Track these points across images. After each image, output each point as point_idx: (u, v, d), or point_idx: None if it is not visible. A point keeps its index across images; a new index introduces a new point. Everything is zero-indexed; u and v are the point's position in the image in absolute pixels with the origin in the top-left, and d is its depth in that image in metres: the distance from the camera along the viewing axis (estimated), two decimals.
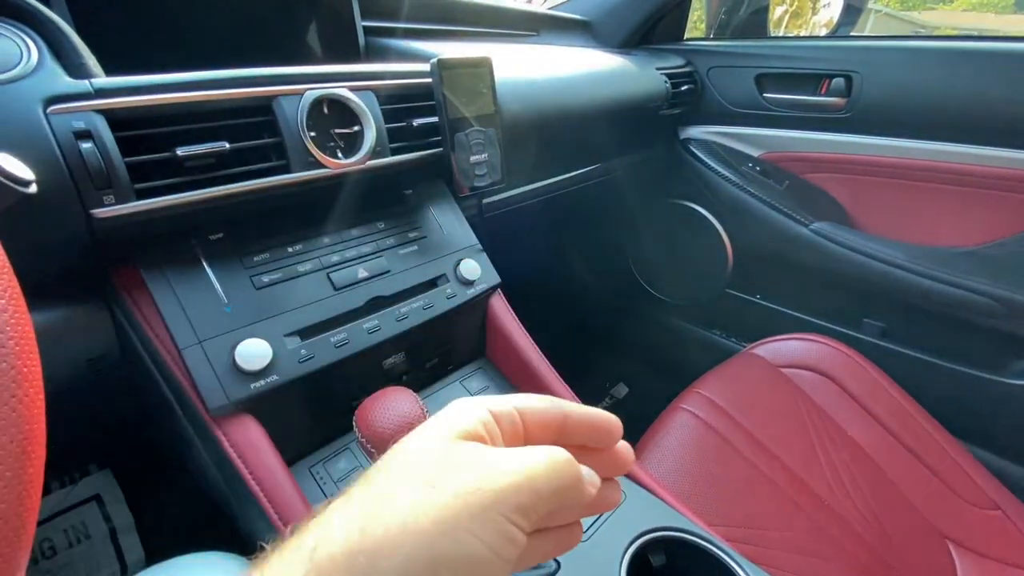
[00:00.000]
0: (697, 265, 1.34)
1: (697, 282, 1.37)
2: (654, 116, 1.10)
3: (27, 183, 0.31)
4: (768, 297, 1.26)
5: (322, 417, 0.51)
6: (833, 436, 0.78)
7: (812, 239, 1.05)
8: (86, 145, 0.37)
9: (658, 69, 1.06)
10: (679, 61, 1.15)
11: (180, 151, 0.42)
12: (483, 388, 0.63)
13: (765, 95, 1.10)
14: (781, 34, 1.35)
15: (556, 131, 0.86)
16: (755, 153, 1.16)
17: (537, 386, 0.60)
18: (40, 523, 0.87)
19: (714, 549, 0.46)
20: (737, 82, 1.13)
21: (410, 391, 0.42)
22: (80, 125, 0.38)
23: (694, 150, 1.19)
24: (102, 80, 0.40)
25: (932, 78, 0.92)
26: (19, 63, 0.38)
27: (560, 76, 0.86)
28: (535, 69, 0.83)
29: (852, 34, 1.24)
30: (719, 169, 1.15)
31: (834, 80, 1.01)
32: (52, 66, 0.40)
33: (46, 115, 0.37)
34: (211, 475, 0.45)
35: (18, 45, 0.39)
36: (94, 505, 0.91)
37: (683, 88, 1.10)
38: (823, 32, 1.31)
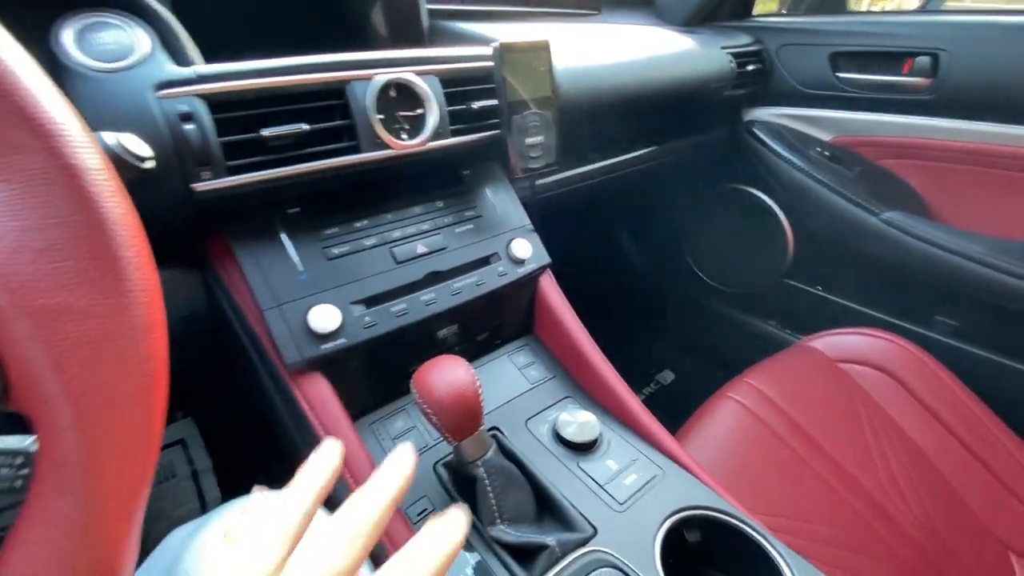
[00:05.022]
0: (754, 253, 1.30)
1: (753, 270, 1.33)
2: (717, 97, 1.06)
3: (146, 159, 0.36)
4: (829, 288, 1.21)
5: (381, 379, 0.56)
6: (891, 436, 0.75)
7: (882, 229, 0.99)
8: (189, 126, 0.42)
9: (723, 48, 1.02)
10: (746, 39, 1.10)
11: (265, 132, 0.46)
12: (529, 363, 0.65)
13: (839, 75, 1.03)
14: (863, 10, 1.26)
15: (613, 114, 0.85)
16: (825, 137, 1.10)
17: (583, 366, 0.62)
18: None
19: (752, 532, 0.46)
20: (809, 61, 1.07)
21: (463, 360, 0.45)
22: (184, 108, 0.42)
23: (758, 133, 1.15)
24: (203, 67, 0.45)
25: None
26: (134, 52, 0.44)
27: (619, 57, 0.85)
28: (594, 51, 0.82)
29: (940, 9, 1.14)
30: (784, 153, 1.10)
31: (918, 59, 0.94)
32: (161, 55, 0.45)
33: (156, 99, 0.42)
34: (284, 423, 0.51)
35: (133, 37, 0.45)
36: (179, 448, 1.03)
37: (749, 68, 1.06)
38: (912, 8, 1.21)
